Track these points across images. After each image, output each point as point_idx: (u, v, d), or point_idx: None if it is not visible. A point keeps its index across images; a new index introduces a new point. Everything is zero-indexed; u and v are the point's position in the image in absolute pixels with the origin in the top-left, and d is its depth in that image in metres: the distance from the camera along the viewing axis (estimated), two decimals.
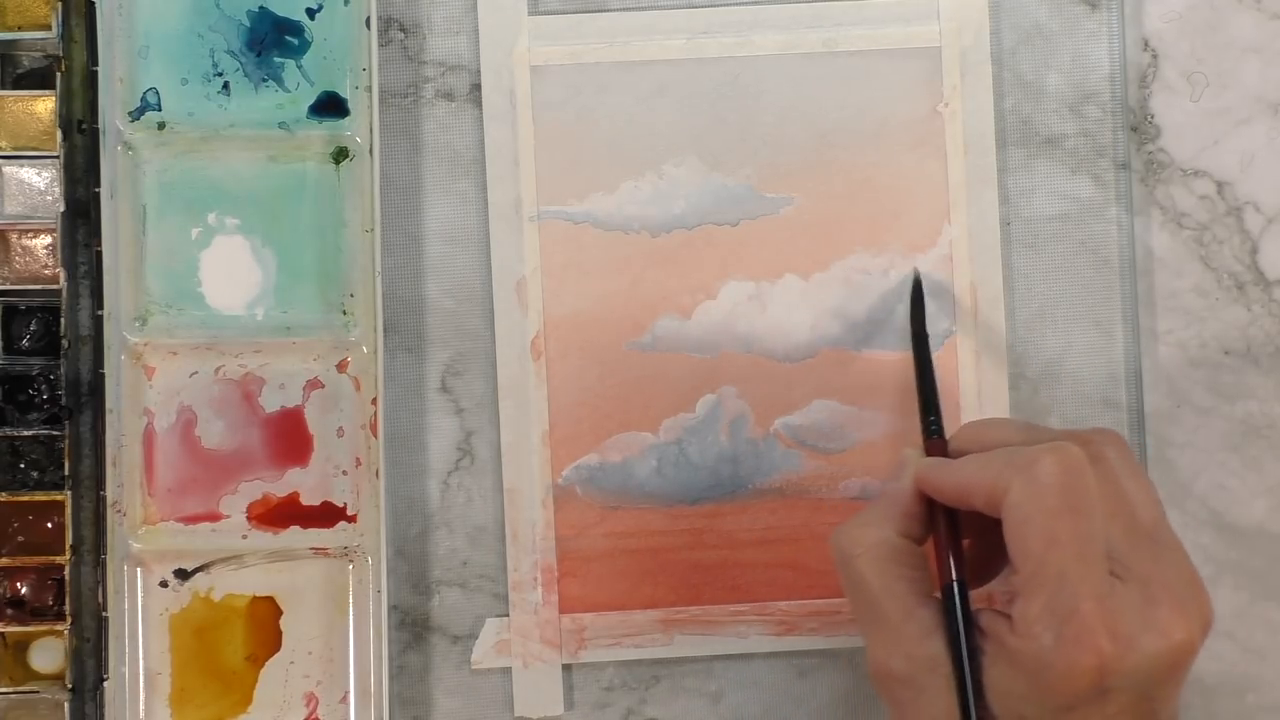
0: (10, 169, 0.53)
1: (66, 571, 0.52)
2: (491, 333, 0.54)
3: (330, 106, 0.52)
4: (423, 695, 0.54)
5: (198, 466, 0.52)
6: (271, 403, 0.52)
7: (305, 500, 0.52)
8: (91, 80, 0.52)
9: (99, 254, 0.52)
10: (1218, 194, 0.54)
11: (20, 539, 0.53)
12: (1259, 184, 0.54)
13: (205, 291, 0.52)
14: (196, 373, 0.52)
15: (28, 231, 0.53)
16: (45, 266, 0.53)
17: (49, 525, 0.53)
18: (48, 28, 0.52)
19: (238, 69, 0.52)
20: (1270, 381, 0.54)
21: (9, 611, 0.53)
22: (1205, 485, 0.54)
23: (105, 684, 0.52)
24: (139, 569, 0.52)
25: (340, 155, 0.52)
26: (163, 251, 0.52)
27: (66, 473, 0.52)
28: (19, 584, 0.53)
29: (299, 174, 0.52)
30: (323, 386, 0.52)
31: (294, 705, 0.52)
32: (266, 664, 0.52)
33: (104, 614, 0.52)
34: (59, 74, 0.52)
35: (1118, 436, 0.45)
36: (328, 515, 0.52)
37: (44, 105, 0.53)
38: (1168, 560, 0.43)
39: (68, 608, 0.52)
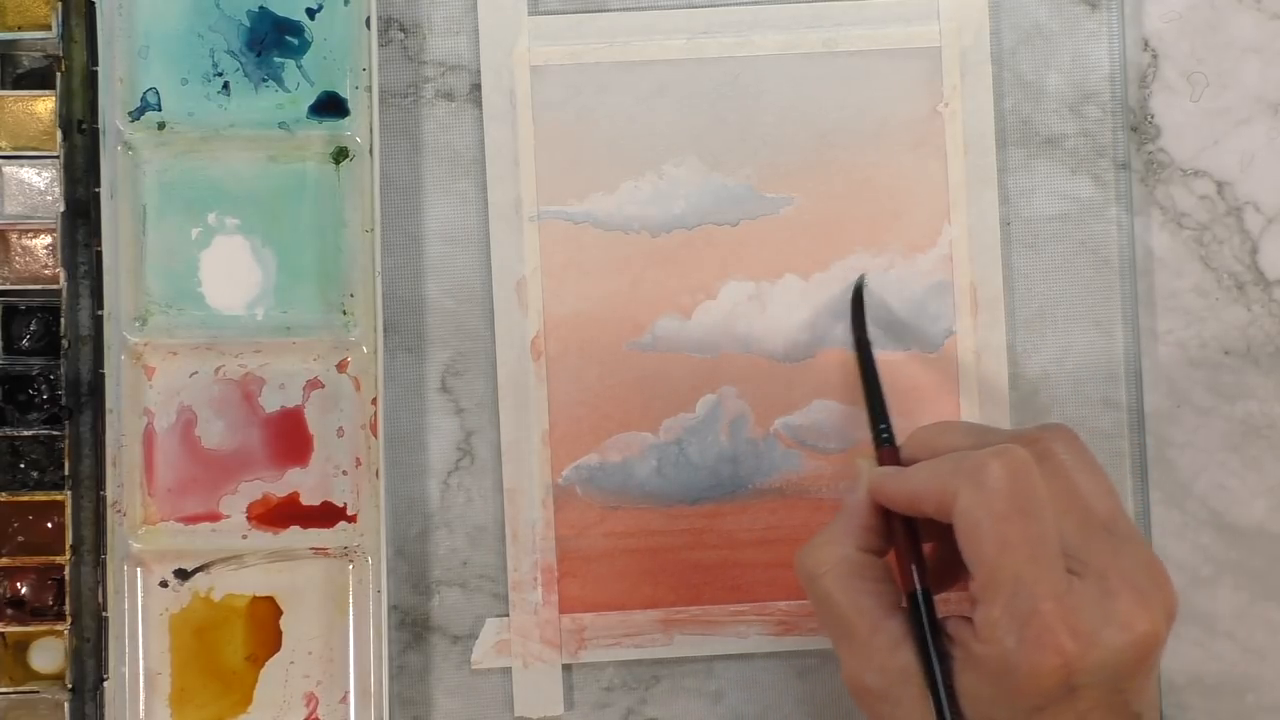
0: (10, 169, 0.53)
1: (66, 571, 0.52)
2: (491, 333, 0.54)
3: (330, 106, 0.52)
4: (423, 695, 0.54)
5: (198, 466, 0.52)
6: (271, 403, 0.52)
7: (305, 500, 0.52)
8: (91, 80, 0.52)
9: (99, 254, 0.52)
10: (1218, 194, 0.54)
11: (20, 539, 0.53)
12: (1259, 184, 0.54)
13: (205, 291, 0.52)
14: (196, 373, 0.52)
15: (28, 231, 0.53)
16: (45, 266, 0.53)
17: (49, 525, 0.53)
18: (48, 28, 0.52)
19: (238, 69, 0.52)
20: (1270, 381, 0.54)
21: (9, 611, 0.53)
22: (1205, 485, 0.54)
23: (105, 684, 0.52)
24: (139, 569, 0.52)
25: (340, 155, 0.52)
26: (163, 251, 0.52)
27: (66, 473, 0.52)
28: (19, 584, 0.53)
29: (299, 174, 0.52)
30: (323, 386, 0.52)
31: (294, 705, 0.52)
32: (266, 664, 0.52)
33: (104, 614, 0.52)
34: (59, 74, 0.52)
35: (1068, 431, 0.45)
36: (328, 515, 0.52)
37: (44, 105, 0.53)
38: (1126, 552, 0.43)
39: (68, 608, 0.52)
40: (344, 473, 0.52)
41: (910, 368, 0.53)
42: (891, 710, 0.43)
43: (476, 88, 0.54)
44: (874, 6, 0.54)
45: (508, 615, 0.54)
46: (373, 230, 0.52)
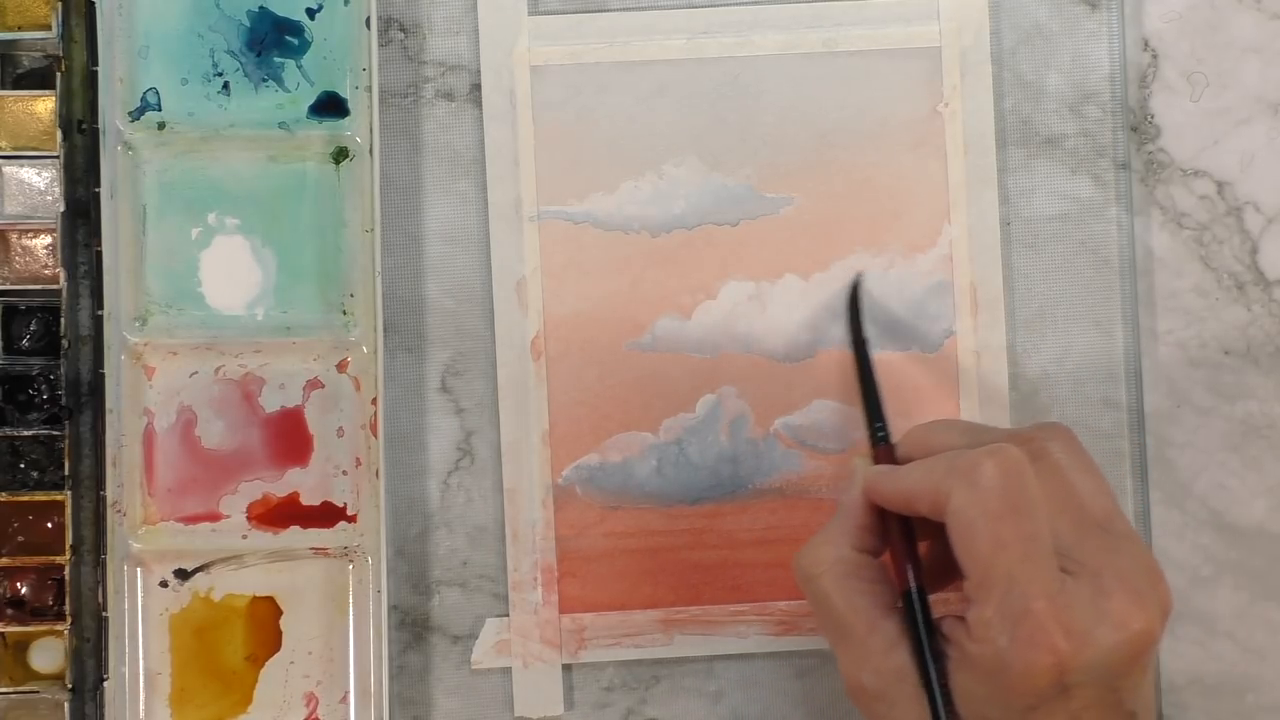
0: (10, 169, 0.53)
1: (66, 571, 0.52)
2: (491, 333, 0.54)
3: (330, 106, 0.52)
4: (423, 695, 0.54)
5: (198, 466, 0.52)
6: (271, 403, 0.52)
7: (305, 500, 0.52)
8: (91, 80, 0.52)
9: (99, 254, 0.52)
10: (1218, 194, 0.54)
11: (20, 539, 0.53)
12: (1259, 184, 0.54)
13: (205, 291, 0.52)
14: (196, 373, 0.52)
15: (28, 231, 0.53)
16: (45, 266, 0.53)
17: (49, 525, 0.53)
18: (48, 28, 0.52)
19: (238, 69, 0.52)
20: (1270, 381, 0.54)
21: (9, 611, 0.53)
22: (1205, 485, 0.54)
23: (105, 684, 0.52)
24: (139, 569, 0.52)
25: (340, 155, 0.52)
26: (163, 251, 0.52)
27: (66, 473, 0.52)
28: (19, 584, 0.53)
29: (299, 174, 0.52)
30: (323, 386, 0.52)
31: (294, 705, 0.52)
32: (266, 664, 0.52)
33: (104, 614, 0.52)
34: (59, 74, 0.52)
35: (1064, 430, 0.45)
36: (328, 515, 0.52)
37: (44, 105, 0.53)
38: (1121, 550, 0.43)
39: (68, 608, 0.52)
40: (344, 473, 0.52)
41: (910, 368, 0.53)
42: (888, 710, 0.43)
43: (476, 88, 0.54)
44: (874, 6, 0.54)
45: (508, 615, 0.54)
46: (373, 230, 0.52)
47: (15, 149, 0.53)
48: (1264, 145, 0.54)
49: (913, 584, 0.44)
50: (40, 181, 0.53)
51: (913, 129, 0.54)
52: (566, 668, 0.54)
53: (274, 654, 0.52)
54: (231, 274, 0.52)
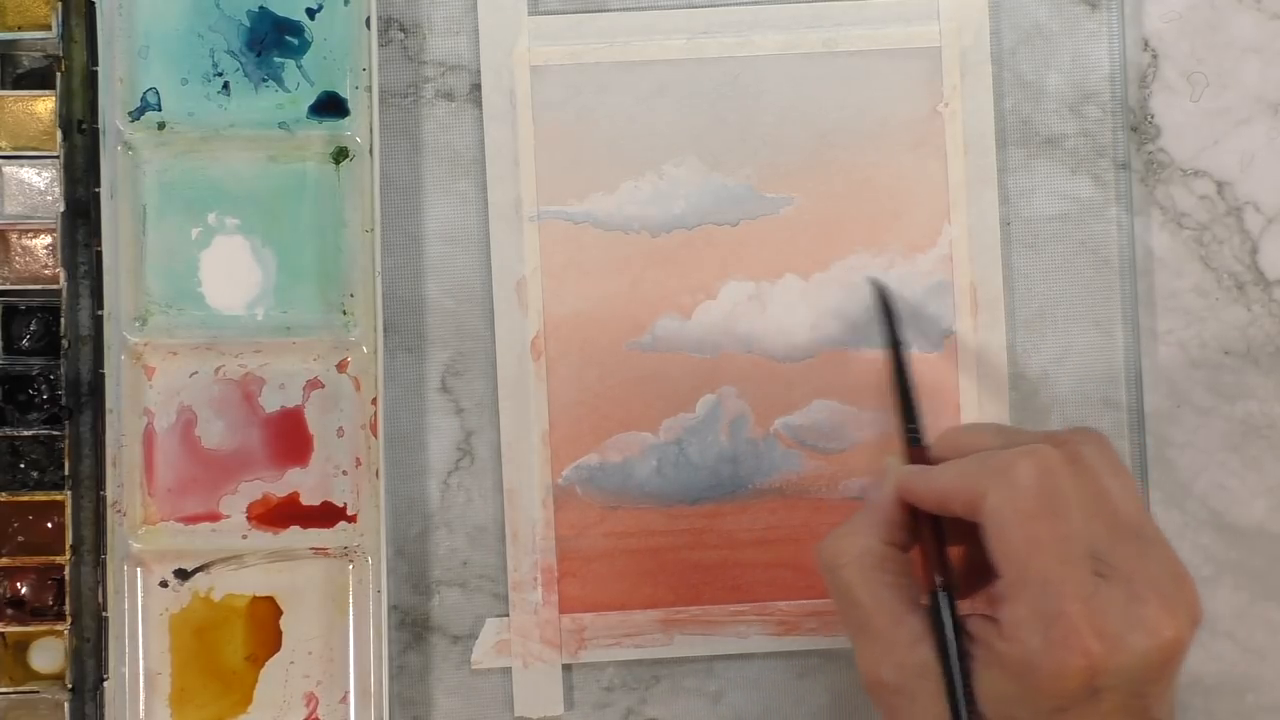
0: (10, 169, 0.53)
1: (66, 571, 0.52)
2: (491, 333, 0.54)
3: (330, 106, 0.52)
4: (423, 695, 0.54)
5: (198, 466, 0.52)
6: (271, 403, 0.52)
7: (305, 500, 0.52)
8: (91, 80, 0.52)
9: (99, 254, 0.52)
10: (1218, 194, 0.54)
11: (20, 539, 0.53)
12: (1259, 184, 0.54)
13: (205, 291, 0.52)
14: (196, 373, 0.52)
15: (28, 231, 0.53)
16: (45, 266, 0.53)
17: (49, 525, 0.53)
18: (48, 28, 0.52)
19: (238, 69, 0.52)
20: (1270, 381, 0.54)
21: (9, 611, 0.53)
22: (1205, 485, 0.54)
23: (105, 684, 0.52)
24: (139, 569, 0.52)
25: (340, 155, 0.52)
26: (163, 251, 0.52)
27: (66, 473, 0.52)
28: (19, 584, 0.53)
29: (299, 174, 0.52)
30: (323, 386, 0.52)
31: (294, 705, 0.52)
32: (266, 664, 0.52)
33: (104, 614, 0.52)
34: (59, 74, 0.52)
35: (1098, 435, 0.45)
36: (328, 515, 0.52)
37: (44, 105, 0.53)
38: (1153, 557, 0.43)
39: (68, 608, 0.52)
40: (344, 473, 0.52)
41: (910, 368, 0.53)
42: (907, 705, 0.43)
43: (476, 88, 0.54)
44: (874, 6, 0.54)
45: (508, 615, 0.54)
46: (373, 230, 0.52)
47: (15, 149, 0.53)
48: (1264, 145, 0.54)
49: (940, 581, 0.44)
50: (40, 181, 0.53)
51: (913, 129, 0.54)
52: (566, 668, 0.54)
53: (274, 654, 0.52)
54: (231, 274, 0.52)
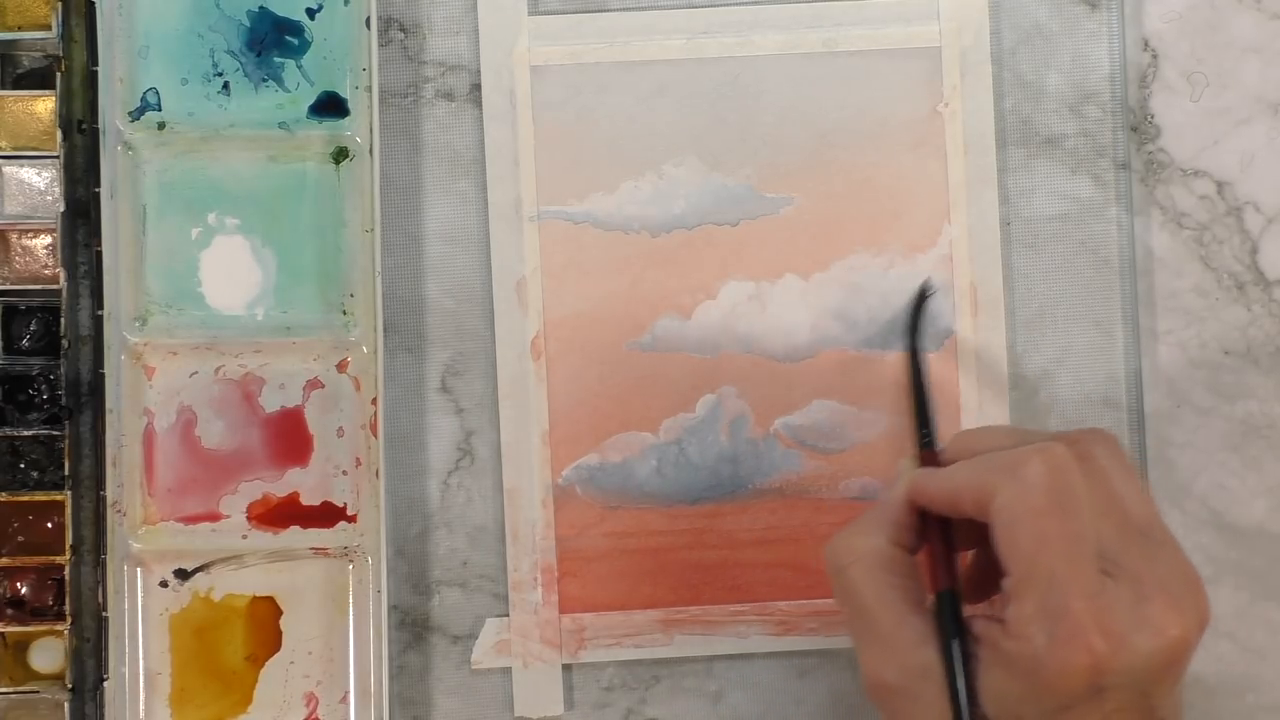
0: (10, 169, 0.53)
1: (66, 571, 0.52)
2: (491, 333, 0.54)
3: (330, 106, 0.52)
4: (423, 695, 0.54)
5: (198, 466, 0.52)
6: (271, 403, 0.52)
7: (305, 500, 0.52)
8: (91, 80, 0.52)
9: (99, 254, 0.52)
10: (1218, 194, 0.54)
11: (20, 539, 0.53)
12: (1259, 184, 0.54)
13: (205, 291, 0.52)
14: (196, 373, 0.52)
15: (28, 231, 0.53)
16: (45, 266, 0.53)
17: (49, 525, 0.53)
18: (48, 28, 0.52)
19: (238, 69, 0.52)
20: (1270, 381, 0.54)
21: (9, 611, 0.53)
22: (1205, 485, 0.54)
23: (105, 684, 0.52)
24: (139, 569, 0.52)
25: (340, 155, 0.52)
26: (163, 251, 0.52)
27: (66, 473, 0.52)
28: (19, 584, 0.53)
29: (299, 174, 0.52)
30: (323, 386, 0.52)
31: (294, 705, 0.52)
32: (266, 664, 0.52)
33: (104, 614, 0.52)
34: (59, 74, 0.52)
35: (1108, 435, 0.45)
36: (328, 515, 0.52)
37: (44, 105, 0.53)
38: (1161, 557, 0.43)
39: (68, 608, 0.52)
40: (344, 473, 0.52)
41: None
42: (910, 707, 0.43)
43: (476, 88, 0.54)
44: (874, 6, 0.54)
45: (508, 615, 0.54)
46: (373, 230, 0.52)
47: (15, 149, 0.53)
48: (1264, 145, 0.54)
49: (946, 583, 0.44)
50: (40, 181, 0.53)
51: (913, 129, 0.54)
52: (566, 668, 0.54)
53: (274, 654, 0.52)
54: (231, 274, 0.52)
